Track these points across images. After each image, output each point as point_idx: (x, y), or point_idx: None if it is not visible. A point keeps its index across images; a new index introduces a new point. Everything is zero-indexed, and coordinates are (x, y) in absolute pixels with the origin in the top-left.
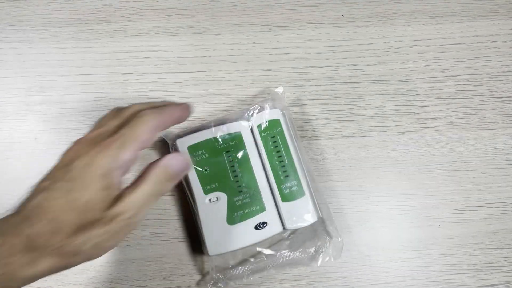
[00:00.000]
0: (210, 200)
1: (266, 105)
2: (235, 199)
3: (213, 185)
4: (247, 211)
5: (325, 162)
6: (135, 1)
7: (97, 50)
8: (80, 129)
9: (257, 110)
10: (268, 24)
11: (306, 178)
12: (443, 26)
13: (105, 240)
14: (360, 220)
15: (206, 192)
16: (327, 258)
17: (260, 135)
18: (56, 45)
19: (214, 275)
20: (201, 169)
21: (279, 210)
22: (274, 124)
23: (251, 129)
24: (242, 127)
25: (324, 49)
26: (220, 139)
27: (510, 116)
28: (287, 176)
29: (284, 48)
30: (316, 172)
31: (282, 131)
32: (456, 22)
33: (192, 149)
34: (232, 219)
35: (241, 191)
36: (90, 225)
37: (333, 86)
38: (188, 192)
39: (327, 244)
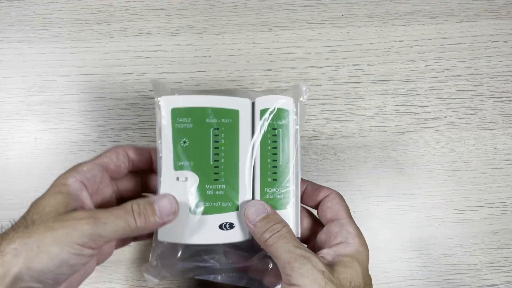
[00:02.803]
0: (178, 178)
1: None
2: (207, 186)
3: (187, 163)
4: (216, 204)
5: (325, 162)
6: (135, 1)
7: (97, 50)
8: (80, 129)
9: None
10: (268, 24)
11: (297, 188)
12: (444, 26)
13: (48, 242)
14: (360, 220)
15: (177, 168)
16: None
17: (261, 121)
18: (56, 45)
19: (153, 263)
20: (179, 140)
21: None
22: (280, 113)
23: (253, 112)
24: (242, 105)
25: (324, 49)
26: (212, 112)
27: (510, 116)
28: (275, 179)
29: (284, 48)
30: (316, 172)
31: (287, 125)
32: (457, 22)
33: (176, 113)
34: (196, 209)
35: (217, 180)
36: (35, 223)
37: (333, 86)
38: (158, 163)
39: None
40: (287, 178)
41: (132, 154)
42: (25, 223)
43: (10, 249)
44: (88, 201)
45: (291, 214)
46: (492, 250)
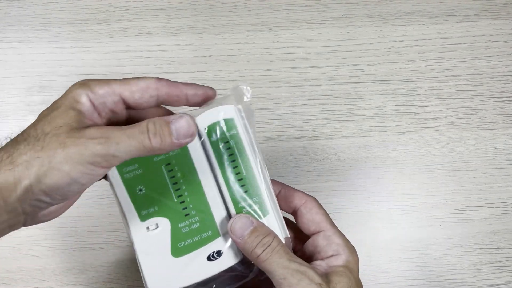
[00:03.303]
0: (148, 228)
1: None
2: (180, 225)
3: (151, 209)
4: (196, 239)
5: (325, 162)
6: (135, 1)
7: (97, 50)
8: None
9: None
10: (268, 24)
11: (270, 191)
12: (444, 26)
13: (59, 159)
14: (361, 220)
15: (143, 218)
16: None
17: (210, 140)
18: (55, 45)
19: None
20: (134, 190)
21: None
22: (227, 125)
23: (198, 133)
24: None
25: (324, 49)
26: None
27: (510, 116)
28: (246, 191)
29: (284, 48)
30: (316, 172)
31: (238, 134)
32: (457, 22)
33: (121, 164)
34: (177, 250)
35: (188, 214)
36: (47, 136)
37: (333, 86)
38: (122, 218)
39: None
40: (257, 186)
41: (163, 93)
42: (35, 134)
43: (21, 161)
44: (99, 121)
45: (273, 219)
46: (492, 250)
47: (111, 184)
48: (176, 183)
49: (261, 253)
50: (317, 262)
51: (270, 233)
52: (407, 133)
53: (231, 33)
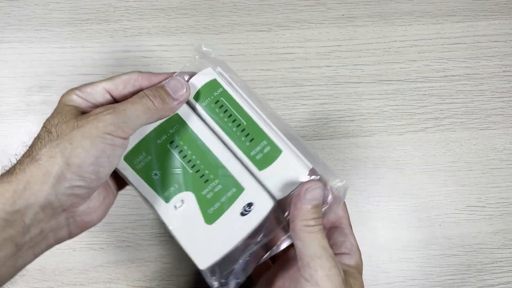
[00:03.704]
0: (175, 206)
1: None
2: (203, 192)
3: (172, 188)
4: (223, 199)
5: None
6: (135, 1)
7: (97, 50)
8: None
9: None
10: (268, 24)
11: (276, 131)
12: (444, 26)
13: (78, 138)
14: (361, 220)
15: (167, 199)
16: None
17: (201, 105)
18: (55, 45)
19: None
20: (150, 177)
21: (261, 182)
22: (211, 86)
23: (188, 104)
24: None
25: (324, 48)
26: (156, 132)
27: (510, 116)
28: (252, 139)
29: (284, 48)
30: None
31: (225, 90)
32: (457, 22)
33: (130, 157)
34: (210, 217)
35: (207, 180)
36: (58, 126)
37: (333, 86)
38: (148, 207)
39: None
40: (260, 130)
41: (146, 83)
42: (45, 130)
43: (42, 153)
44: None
45: (289, 154)
46: (492, 250)
47: (127, 180)
48: (185, 156)
49: (312, 225)
50: None
51: (321, 214)
52: (407, 133)
53: (231, 33)
